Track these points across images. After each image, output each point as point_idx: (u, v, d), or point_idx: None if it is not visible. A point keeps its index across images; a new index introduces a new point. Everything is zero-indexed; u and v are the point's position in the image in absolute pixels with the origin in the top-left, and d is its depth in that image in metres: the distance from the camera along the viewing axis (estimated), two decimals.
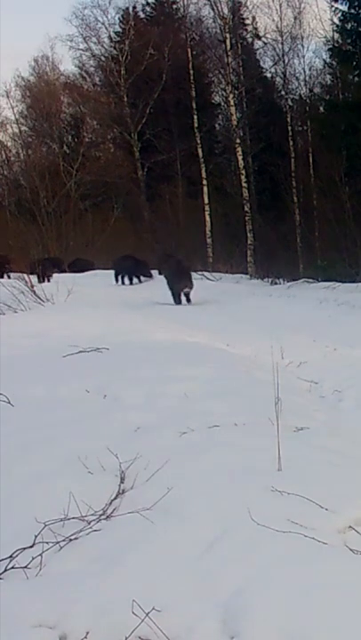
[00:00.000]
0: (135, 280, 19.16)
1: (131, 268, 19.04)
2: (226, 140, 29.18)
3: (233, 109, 26.54)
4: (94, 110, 30.75)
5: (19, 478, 3.17)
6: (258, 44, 28.48)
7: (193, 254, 24.09)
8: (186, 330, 8.40)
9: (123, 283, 18.81)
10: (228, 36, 26.31)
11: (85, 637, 2.09)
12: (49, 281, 17.51)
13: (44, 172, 28.56)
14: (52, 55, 32.33)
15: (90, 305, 10.52)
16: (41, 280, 17.25)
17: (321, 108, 24.98)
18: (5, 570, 2.42)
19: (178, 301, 13.90)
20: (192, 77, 27.20)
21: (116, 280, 18.82)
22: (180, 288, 14.09)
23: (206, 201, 26.72)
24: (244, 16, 28.41)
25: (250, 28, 28.62)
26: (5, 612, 2.16)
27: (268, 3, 27.04)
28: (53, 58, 32.37)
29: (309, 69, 27.07)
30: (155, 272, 20.04)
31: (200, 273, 21.27)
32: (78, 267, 21.17)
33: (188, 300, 14.02)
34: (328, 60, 25.00)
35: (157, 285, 18.19)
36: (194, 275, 20.99)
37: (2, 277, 18.34)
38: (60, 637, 2.11)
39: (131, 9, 30.28)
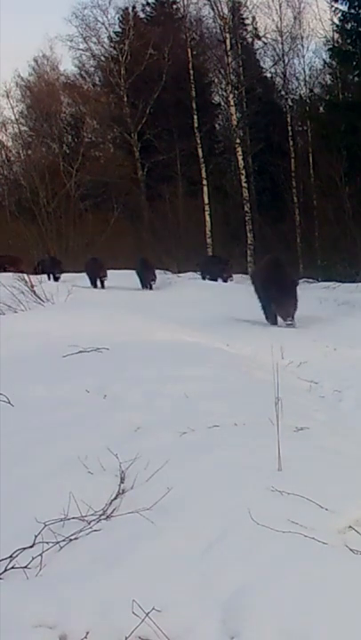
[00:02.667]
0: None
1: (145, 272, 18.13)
2: (226, 140, 29.21)
3: (233, 109, 26.56)
4: (94, 110, 30.76)
5: (19, 478, 3.17)
6: (258, 43, 28.58)
7: (193, 254, 24.10)
8: (186, 330, 8.40)
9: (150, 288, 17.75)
10: (228, 35, 26.33)
11: (85, 637, 2.09)
12: (102, 285, 17.15)
13: (44, 172, 28.56)
14: (51, 55, 32.39)
15: (90, 305, 10.53)
16: (93, 283, 17.10)
17: (321, 108, 25.01)
18: (5, 570, 2.42)
19: (274, 321, 9.93)
20: (192, 77, 27.21)
21: (143, 285, 17.84)
22: (286, 313, 9.55)
23: (206, 201, 26.73)
24: (244, 16, 28.49)
25: (250, 28, 28.71)
26: (5, 611, 2.16)
27: (268, 3, 27.15)
28: (53, 58, 32.43)
29: (309, 69, 27.18)
30: (193, 275, 20.34)
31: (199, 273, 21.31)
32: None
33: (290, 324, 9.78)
34: (328, 60, 25.04)
35: (163, 286, 17.82)
36: (193, 275, 21.17)
37: (57, 280, 18.02)
38: (60, 637, 2.11)
39: (131, 9, 30.35)
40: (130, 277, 18.47)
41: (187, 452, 3.41)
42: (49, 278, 18.27)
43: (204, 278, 20.26)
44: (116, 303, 12.86)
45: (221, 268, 19.92)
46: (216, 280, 19.46)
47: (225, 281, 19.37)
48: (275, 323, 9.80)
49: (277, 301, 9.67)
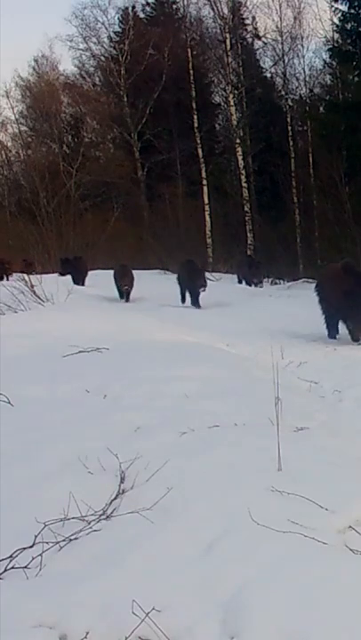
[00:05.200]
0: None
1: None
2: (226, 140, 29.19)
3: (233, 109, 26.55)
4: (94, 110, 30.76)
5: (19, 478, 3.17)
6: (258, 44, 28.53)
7: (193, 254, 24.08)
8: (186, 330, 8.40)
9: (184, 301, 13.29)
10: (228, 36, 26.32)
11: (85, 637, 2.09)
12: (127, 297, 13.85)
13: (44, 172, 28.56)
14: (51, 55, 32.40)
15: (90, 305, 10.53)
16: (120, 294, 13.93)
17: (321, 108, 25.00)
18: (5, 570, 2.42)
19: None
20: (192, 77, 27.20)
21: (183, 299, 13.29)
22: None
23: (206, 201, 26.73)
24: (244, 16, 28.44)
25: (250, 28, 28.65)
26: (5, 612, 2.16)
27: (268, 3, 27.16)
28: (53, 58, 32.43)
29: (309, 69, 27.14)
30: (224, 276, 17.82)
31: None
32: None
33: None
34: (328, 60, 25.03)
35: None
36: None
37: (82, 284, 15.92)
38: (60, 637, 2.11)
39: (130, 9, 30.32)
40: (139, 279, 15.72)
41: (187, 452, 3.41)
42: (75, 282, 15.69)
43: (240, 282, 17.73)
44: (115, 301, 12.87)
45: (253, 271, 17.63)
46: (250, 284, 17.44)
47: (249, 284, 17.35)
48: (358, 339, 7.97)
49: (354, 319, 7.98)
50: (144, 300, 13.84)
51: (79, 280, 16.13)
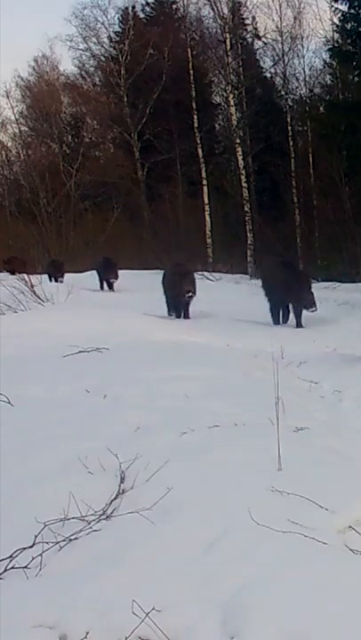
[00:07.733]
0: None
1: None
2: (226, 140, 29.19)
3: (233, 109, 26.54)
4: (94, 110, 30.77)
5: (19, 478, 3.17)
6: (258, 44, 28.51)
7: (193, 254, 24.08)
8: (186, 330, 8.40)
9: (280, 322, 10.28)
10: (228, 36, 26.31)
11: (85, 637, 2.09)
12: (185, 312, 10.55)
13: (44, 172, 28.59)
14: (51, 55, 32.40)
15: (90, 305, 10.52)
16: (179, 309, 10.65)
17: (321, 108, 25.00)
18: (5, 570, 2.42)
19: None
20: (192, 77, 27.19)
21: (276, 321, 10.28)
22: None
23: (206, 201, 26.73)
24: (244, 16, 28.42)
25: (250, 28, 28.64)
26: (5, 612, 2.16)
27: (268, 3, 27.13)
28: (53, 58, 32.43)
29: (309, 69, 27.12)
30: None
31: (200, 273, 21.24)
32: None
33: None
34: (328, 60, 25.04)
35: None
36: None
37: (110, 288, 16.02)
38: (60, 637, 2.11)
39: (130, 9, 30.31)
40: (135, 278, 16.18)
41: (187, 452, 3.41)
42: (101, 286, 15.94)
43: None
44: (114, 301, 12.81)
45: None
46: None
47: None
48: None
49: None
50: (145, 300, 13.73)
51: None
